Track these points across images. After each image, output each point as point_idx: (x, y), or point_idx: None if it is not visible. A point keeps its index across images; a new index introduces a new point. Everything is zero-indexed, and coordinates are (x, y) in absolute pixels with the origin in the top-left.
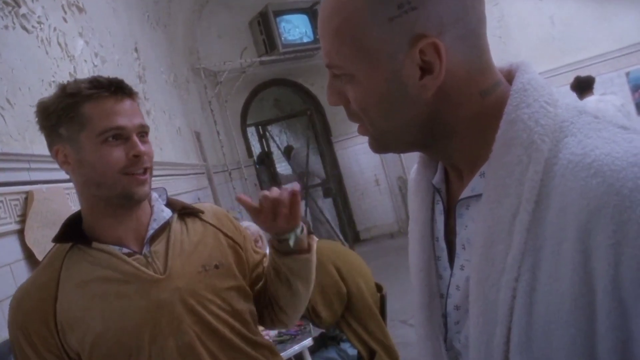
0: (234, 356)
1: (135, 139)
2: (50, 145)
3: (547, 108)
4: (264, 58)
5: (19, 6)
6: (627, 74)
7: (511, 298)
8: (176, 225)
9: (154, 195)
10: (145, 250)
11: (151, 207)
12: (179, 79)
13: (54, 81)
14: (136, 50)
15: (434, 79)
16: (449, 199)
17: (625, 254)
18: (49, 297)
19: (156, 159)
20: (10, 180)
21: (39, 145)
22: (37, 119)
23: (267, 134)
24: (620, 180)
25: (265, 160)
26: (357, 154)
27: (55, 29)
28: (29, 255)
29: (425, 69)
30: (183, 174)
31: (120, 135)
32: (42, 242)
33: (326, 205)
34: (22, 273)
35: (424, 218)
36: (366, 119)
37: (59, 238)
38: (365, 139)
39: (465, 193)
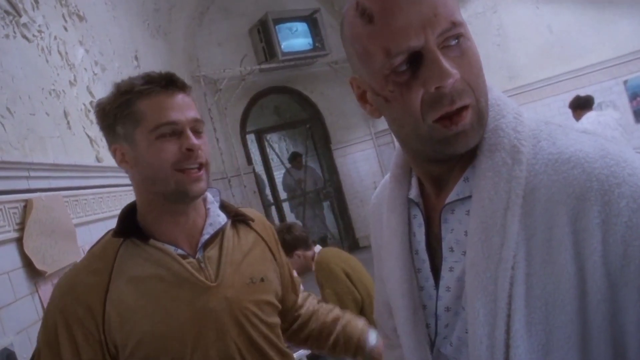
0: None
1: (189, 132)
2: (109, 145)
3: (519, 118)
4: (264, 66)
5: (20, 15)
6: (625, 82)
7: (509, 286)
8: (229, 231)
9: (209, 197)
10: (199, 254)
11: (206, 209)
12: None
13: (53, 89)
14: (136, 58)
15: None
16: (426, 211)
17: (610, 230)
18: (100, 287)
19: None
20: (9, 188)
21: (39, 153)
22: (96, 120)
23: (266, 142)
24: (597, 169)
25: (296, 160)
26: (356, 161)
27: (55, 38)
28: (27, 264)
29: None
30: None
31: (174, 131)
32: (41, 251)
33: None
34: (20, 281)
35: (402, 233)
36: (479, 85)
37: (118, 232)
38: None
39: (451, 197)
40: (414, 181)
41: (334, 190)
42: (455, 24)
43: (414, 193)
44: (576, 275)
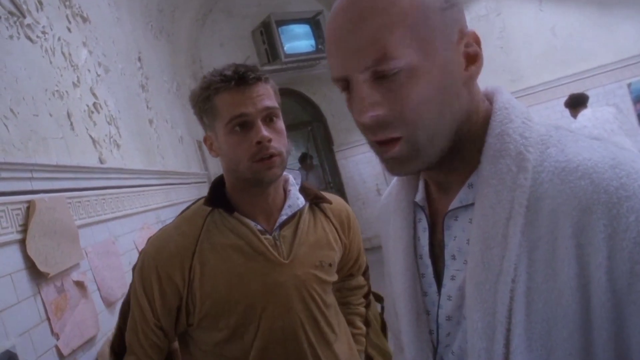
0: (325, 347)
1: (259, 124)
2: (204, 131)
3: (528, 123)
4: (266, 67)
5: (24, 16)
6: (629, 85)
7: (509, 300)
8: (306, 214)
9: (291, 179)
10: (275, 232)
11: (287, 191)
12: (182, 88)
13: (57, 90)
14: (139, 59)
15: (477, 68)
16: (431, 215)
17: (617, 246)
18: (189, 248)
19: (158, 167)
20: (12, 189)
21: (42, 154)
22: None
23: None
24: (606, 180)
25: (306, 161)
26: (358, 163)
27: (59, 39)
28: (30, 265)
29: (468, 60)
30: (185, 183)
31: (246, 123)
32: (44, 252)
33: None
34: (22, 283)
35: (407, 236)
36: (419, 120)
37: (209, 201)
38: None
39: (454, 204)
40: (421, 184)
41: (336, 192)
42: (387, 58)
43: (419, 196)
44: (579, 290)
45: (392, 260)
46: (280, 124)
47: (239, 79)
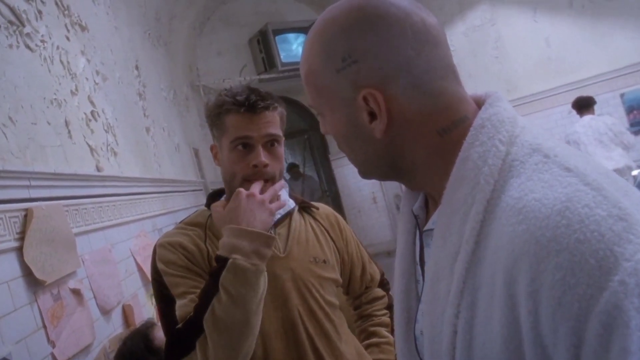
0: (326, 342)
1: (259, 149)
2: (213, 140)
3: (499, 147)
4: (263, 76)
5: (23, 25)
6: (622, 95)
7: (452, 333)
8: (297, 215)
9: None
10: (271, 230)
11: (278, 196)
12: (179, 96)
13: (55, 99)
14: (137, 67)
15: (378, 124)
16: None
17: (542, 303)
18: (201, 239)
19: (154, 175)
20: (10, 197)
21: (40, 162)
22: None
23: None
24: (541, 229)
25: (293, 170)
26: (354, 172)
27: (58, 48)
28: (27, 273)
29: (373, 114)
30: (181, 190)
31: (248, 144)
32: (41, 260)
33: None
34: (19, 291)
35: (406, 242)
36: (342, 149)
37: (208, 205)
38: None
39: (428, 225)
40: (422, 194)
41: (332, 201)
42: (312, 105)
43: (417, 206)
44: (512, 340)
45: (395, 262)
46: (280, 149)
47: (249, 106)
